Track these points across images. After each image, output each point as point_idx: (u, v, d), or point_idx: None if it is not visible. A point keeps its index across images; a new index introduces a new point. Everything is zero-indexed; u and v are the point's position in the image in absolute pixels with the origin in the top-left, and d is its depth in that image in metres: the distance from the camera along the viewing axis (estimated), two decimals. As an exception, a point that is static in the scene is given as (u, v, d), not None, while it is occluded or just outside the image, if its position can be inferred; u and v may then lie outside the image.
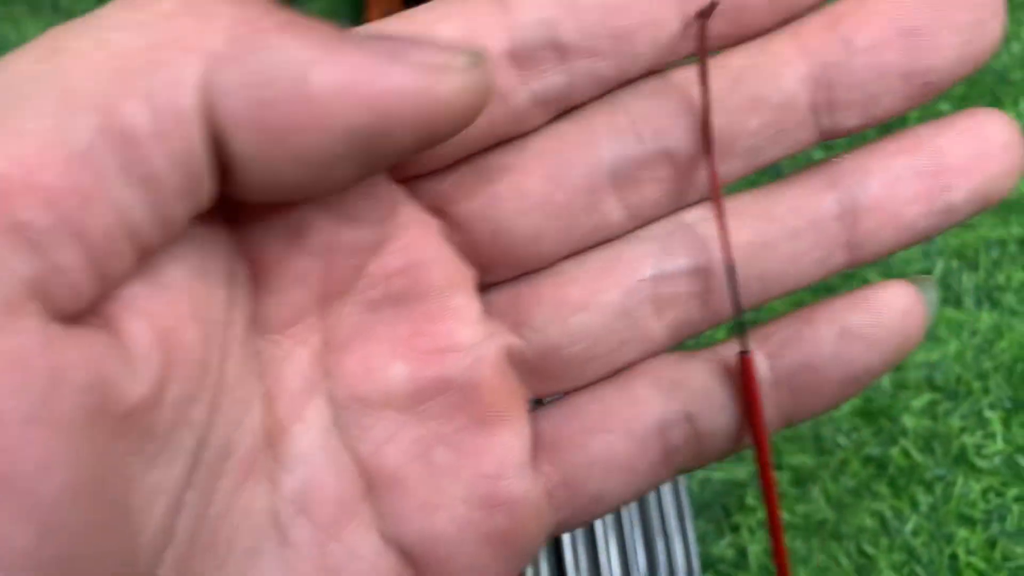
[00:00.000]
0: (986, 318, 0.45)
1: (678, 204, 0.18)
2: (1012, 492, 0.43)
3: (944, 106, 0.48)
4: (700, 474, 0.43)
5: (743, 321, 0.17)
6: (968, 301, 0.46)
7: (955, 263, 0.46)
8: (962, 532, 0.43)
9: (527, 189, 0.17)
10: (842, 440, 0.44)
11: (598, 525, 0.40)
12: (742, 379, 0.17)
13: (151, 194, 0.13)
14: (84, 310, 0.12)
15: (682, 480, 0.42)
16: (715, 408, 0.17)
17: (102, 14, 0.14)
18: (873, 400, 0.44)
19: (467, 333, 0.17)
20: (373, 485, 0.17)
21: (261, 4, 0.13)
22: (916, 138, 0.17)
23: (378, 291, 0.17)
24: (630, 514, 0.41)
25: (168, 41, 0.13)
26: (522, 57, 0.16)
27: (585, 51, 0.17)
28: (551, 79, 0.16)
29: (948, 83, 0.16)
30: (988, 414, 0.44)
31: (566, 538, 0.39)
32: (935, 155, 0.17)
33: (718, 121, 0.17)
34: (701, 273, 0.17)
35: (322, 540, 0.16)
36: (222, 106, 0.13)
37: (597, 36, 0.17)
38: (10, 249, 0.12)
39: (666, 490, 0.41)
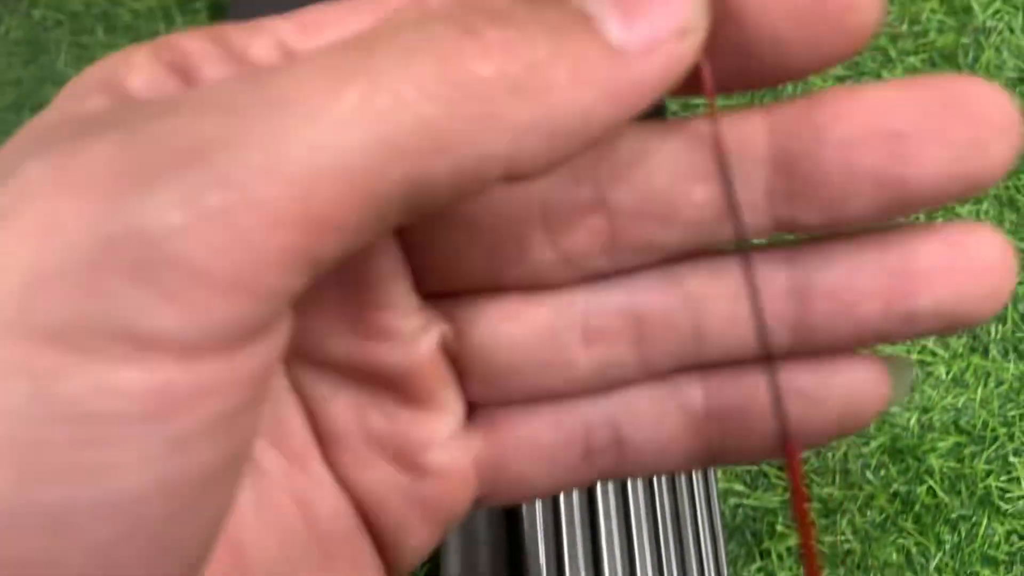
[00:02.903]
0: (1012, 368, 0.47)
1: (616, 261, 0.17)
2: (1036, 533, 0.44)
3: (975, 166, 0.50)
4: (732, 500, 0.45)
5: (783, 409, 0.15)
6: (995, 351, 0.48)
7: (983, 314, 0.48)
8: (986, 572, 0.44)
9: (462, 213, 0.16)
10: (870, 475, 0.45)
11: (635, 535, 0.42)
12: (787, 465, 0.16)
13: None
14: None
15: (716, 503, 0.43)
16: (642, 422, 0.17)
17: None
18: (900, 439, 0.46)
19: (405, 323, 0.17)
20: (320, 435, 0.17)
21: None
22: (892, 236, 0.16)
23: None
24: (666, 527, 0.42)
25: None
26: None
27: None
28: None
29: (931, 200, 0.15)
30: (1013, 460, 0.46)
31: (603, 540, 0.41)
32: (906, 256, 0.15)
33: (662, 183, 0.16)
34: (633, 315, 0.17)
35: (290, 470, 0.17)
36: None
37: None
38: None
39: (702, 509, 0.43)
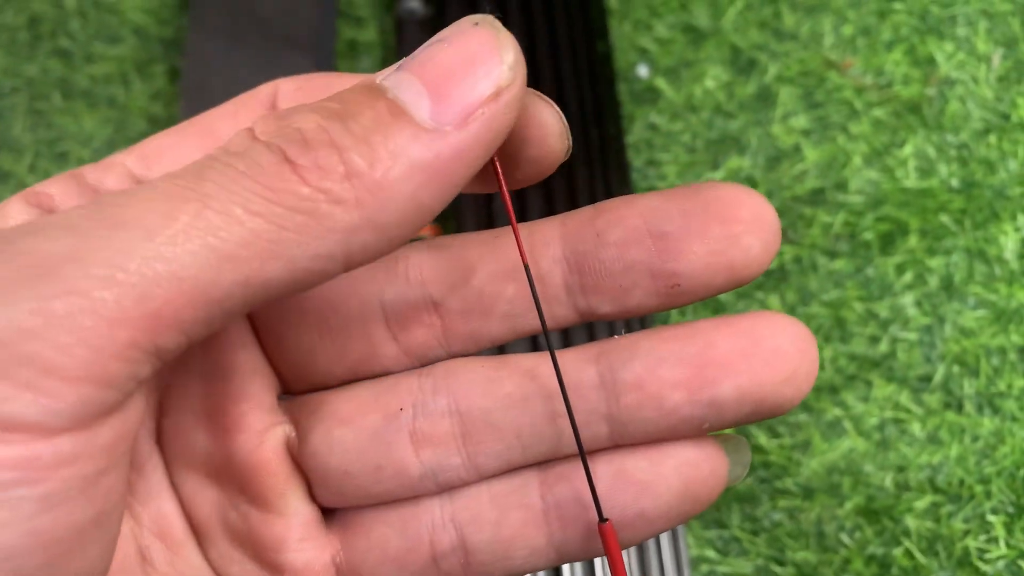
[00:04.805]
0: (987, 424, 0.46)
1: (451, 352, 0.19)
2: (1016, 597, 0.43)
3: (944, 218, 0.50)
4: (704, 567, 0.43)
5: (595, 490, 0.17)
6: (969, 406, 0.47)
7: (956, 369, 0.48)
8: (966, 637, 0.43)
9: (306, 308, 0.19)
10: (845, 538, 0.44)
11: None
12: (604, 543, 0.17)
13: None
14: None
15: (687, 571, 0.42)
16: (484, 523, 0.18)
17: None
18: (876, 499, 0.45)
19: (256, 417, 0.18)
20: (194, 529, 0.19)
21: None
22: (693, 328, 0.17)
23: (195, 363, 0.19)
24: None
25: None
26: None
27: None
28: None
29: (703, 290, 0.17)
30: (991, 518, 0.44)
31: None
32: (705, 346, 0.17)
33: (478, 283, 0.18)
34: (457, 418, 0.18)
35: (174, 560, 0.18)
36: None
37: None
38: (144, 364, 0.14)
39: (671, 579, 0.42)
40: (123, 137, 0.48)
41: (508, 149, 0.16)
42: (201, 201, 0.14)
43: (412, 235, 0.15)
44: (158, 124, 0.48)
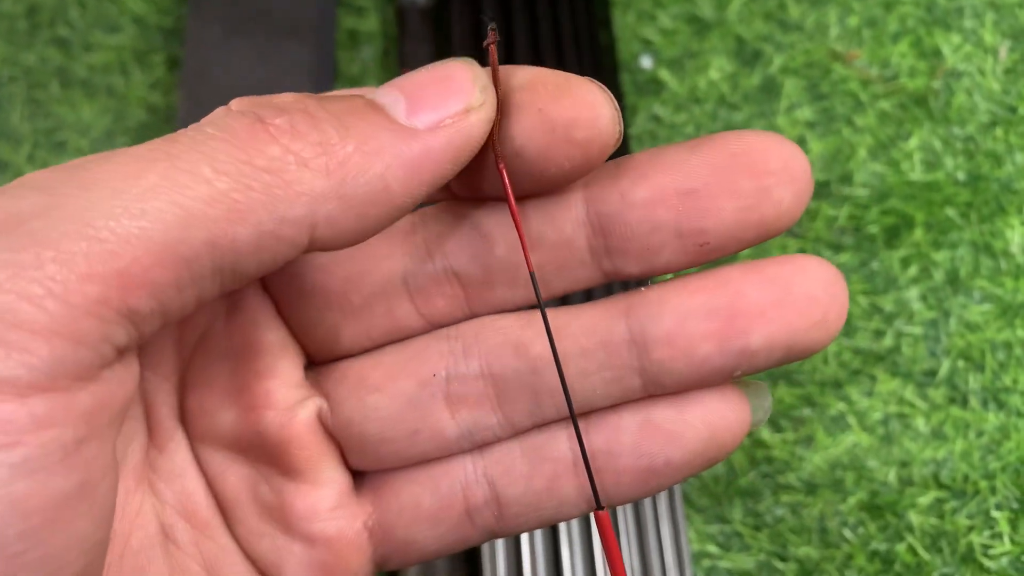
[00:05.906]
0: (992, 419, 0.46)
1: (473, 315, 0.19)
2: (1020, 594, 0.43)
3: (950, 211, 0.49)
4: (705, 562, 0.43)
5: (594, 486, 0.17)
6: (974, 401, 0.46)
7: (961, 363, 0.47)
8: (969, 633, 0.42)
9: (329, 288, 0.19)
10: (848, 534, 0.44)
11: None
12: (599, 528, 0.17)
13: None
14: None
15: (688, 566, 0.42)
16: (516, 477, 0.18)
17: None
18: (879, 495, 0.44)
19: (285, 393, 0.18)
20: (221, 506, 0.19)
21: None
22: (720, 277, 0.17)
23: (219, 343, 0.18)
24: (635, 597, 0.41)
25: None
26: None
27: None
28: None
29: (732, 245, 0.16)
30: (995, 514, 0.44)
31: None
32: (733, 297, 0.16)
33: (502, 252, 0.18)
34: (491, 379, 0.18)
35: (199, 539, 0.18)
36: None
37: None
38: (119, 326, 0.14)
39: (673, 572, 0.41)
40: (122, 127, 0.48)
41: (559, 134, 0.16)
42: (169, 161, 0.14)
43: (381, 223, 0.15)
44: (157, 114, 0.47)
